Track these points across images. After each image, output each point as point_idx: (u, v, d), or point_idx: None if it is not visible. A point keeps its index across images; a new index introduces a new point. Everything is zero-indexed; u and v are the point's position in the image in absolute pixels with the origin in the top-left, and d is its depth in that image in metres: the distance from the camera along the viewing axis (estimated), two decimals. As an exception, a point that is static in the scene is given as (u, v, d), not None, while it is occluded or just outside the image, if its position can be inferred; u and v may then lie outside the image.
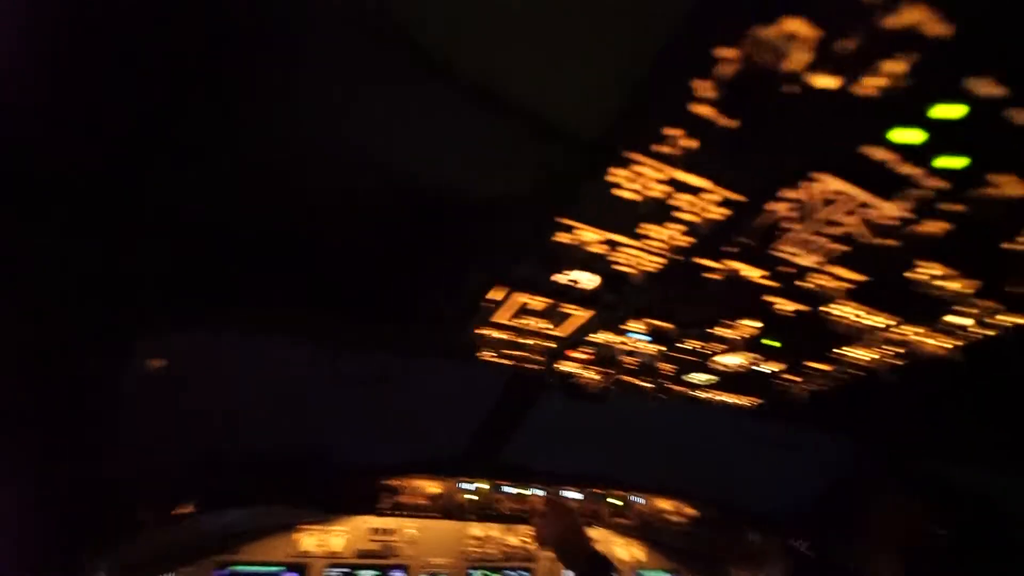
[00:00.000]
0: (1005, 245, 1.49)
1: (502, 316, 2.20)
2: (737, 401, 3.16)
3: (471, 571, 3.77)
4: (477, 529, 3.83)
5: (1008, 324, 1.92)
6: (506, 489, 3.86)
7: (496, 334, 2.37)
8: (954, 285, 1.72)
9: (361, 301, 2.30)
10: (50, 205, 1.66)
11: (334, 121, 1.41)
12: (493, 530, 3.89)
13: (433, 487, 3.67)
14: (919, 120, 1.11)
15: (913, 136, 1.15)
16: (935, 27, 0.91)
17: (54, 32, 1.16)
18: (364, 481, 3.54)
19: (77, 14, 1.12)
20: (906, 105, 1.08)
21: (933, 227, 1.44)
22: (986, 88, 1.02)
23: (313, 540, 3.43)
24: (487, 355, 2.60)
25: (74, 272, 1.90)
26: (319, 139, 1.48)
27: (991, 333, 2.00)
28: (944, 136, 1.15)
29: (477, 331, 2.35)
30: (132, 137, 1.45)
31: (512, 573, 3.90)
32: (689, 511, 4.32)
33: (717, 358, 2.51)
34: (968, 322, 1.95)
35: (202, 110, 1.38)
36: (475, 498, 3.76)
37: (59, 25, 1.15)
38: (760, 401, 3.14)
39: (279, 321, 2.40)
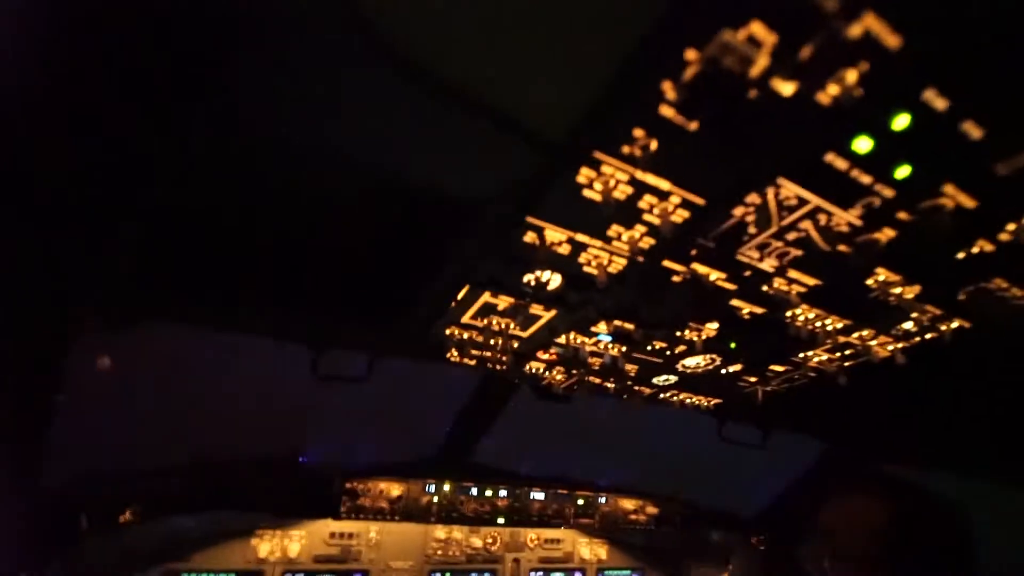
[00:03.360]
0: (959, 254, 1.57)
1: (469, 316, 2.17)
2: (700, 402, 3.23)
3: (433, 574, 3.72)
4: (440, 531, 3.79)
5: (951, 328, 2.03)
6: (470, 491, 3.83)
7: (464, 334, 2.34)
8: (903, 291, 1.79)
9: (328, 299, 2.24)
10: (27, 202, 1.57)
11: (304, 118, 1.37)
12: (456, 532, 3.85)
13: (396, 489, 3.60)
14: (874, 129, 1.15)
15: (868, 144, 1.19)
16: (889, 37, 0.94)
17: (52, 32, 1.11)
18: (324, 484, 3.44)
19: (68, 13, 1.08)
20: (862, 114, 1.11)
21: (884, 234, 1.50)
22: (935, 99, 1.07)
23: (269, 546, 3.31)
24: (455, 355, 2.56)
25: (36, 268, 1.79)
26: (289, 136, 1.44)
27: (936, 336, 2.10)
28: (895, 145, 1.19)
29: (445, 331, 2.31)
30: (114, 133, 1.39)
31: (475, 575, 3.87)
32: (652, 510, 4.40)
33: (681, 359, 2.55)
34: (915, 326, 2.04)
35: (181, 108, 1.33)
36: (439, 500, 3.71)
37: (56, 25, 1.10)
38: (722, 402, 3.21)
39: (242, 319, 2.31)
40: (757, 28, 0.94)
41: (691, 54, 1.00)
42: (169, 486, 3.02)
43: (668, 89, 1.08)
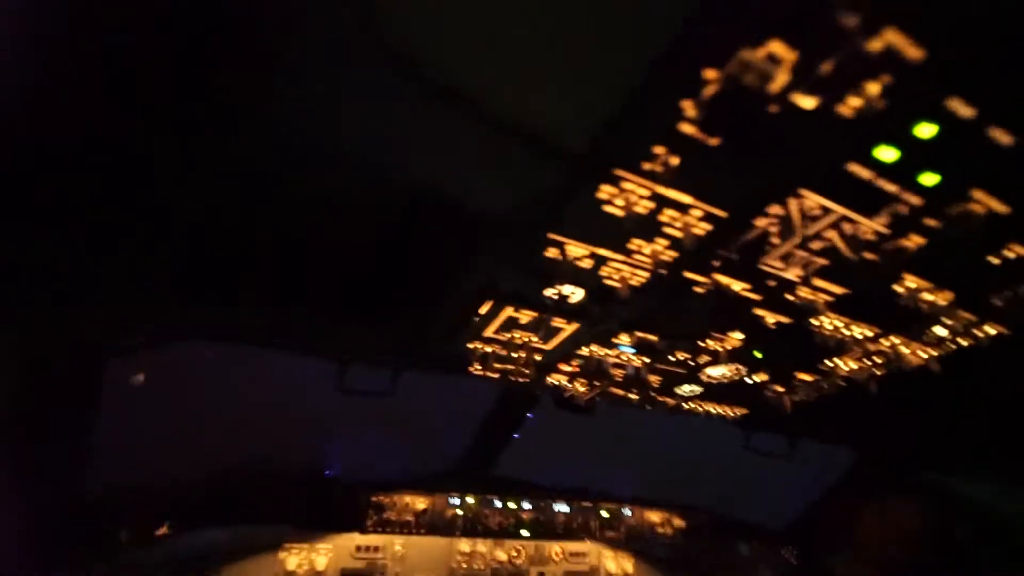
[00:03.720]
0: (991, 259, 1.53)
1: (492, 330, 2.19)
2: (725, 412, 3.18)
3: (459, 587, 3.71)
4: (465, 544, 3.78)
5: (986, 334, 1.97)
6: (495, 503, 3.82)
7: (486, 348, 2.36)
8: (934, 297, 1.75)
9: (352, 314, 2.28)
10: (39, 208, 1.62)
11: (329, 131, 1.41)
12: (481, 545, 3.84)
13: (421, 502, 3.61)
14: (898, 138, 1.14)
15: (892, 154, 1.18)
16: (911, 50, 0.94)
17: (53, 33, 1.15)
18: (350, 498, 3.47)
19: (75, 15, 1.12)
20: (885, 124, 1.10)
21: (912, 242, 1.48)
22: (960, 108, 1.06)
23: (297, 560, 3.35)
24: (478, 369, 2.58)
25: (63, 280, 1.86)
26: (315, 148, 1.48)
27: (971, 343, 2.04)
28: (921, 154, 1.18)
29: (468, 344, 2.34)
30: (127, 139, 1.43)
31: (501, 589, 3.85)
32: (678, 522, 4.32)
33: (704, 369, 2.53)
34: (948, 333, 1.99)
35: (200, 114, 1.37)
36: (463, 513, 3.71)
37: (58, 26, 1.14)
38: (748, 412, 3.16)
39: (267, 334, 2.36)
40: (776, 46, 0.95)
41: (710, 73, 1.01)
42: (199, 498, 3.08)
43: (688, 107, 1.09)
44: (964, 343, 2.05)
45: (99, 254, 1.82)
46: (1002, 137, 1.12)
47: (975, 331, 1.96)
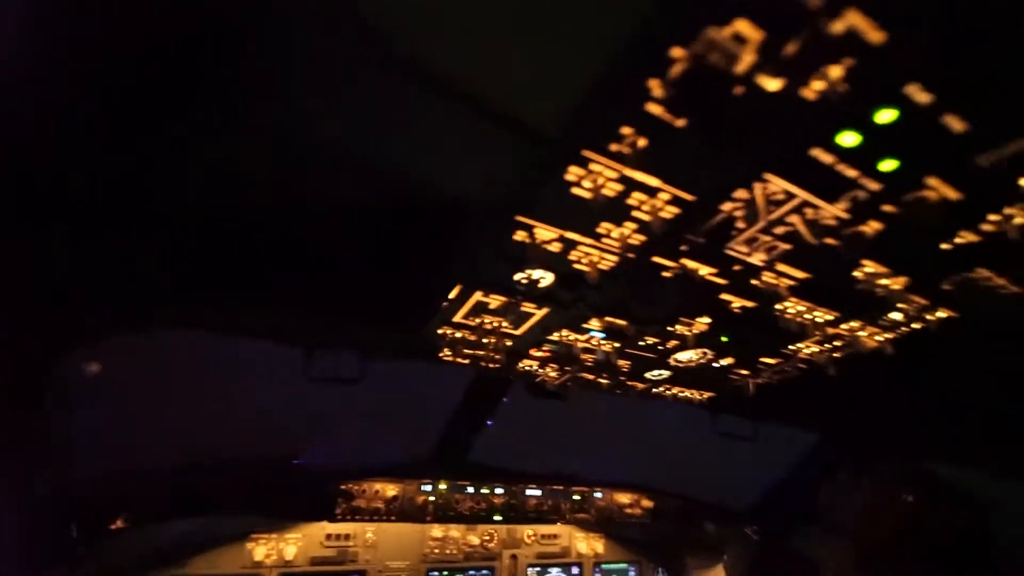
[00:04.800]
0: (943, 245, 1.58)
1: (462, 315, 2.17)
2: (693, 396, 3.25)
3: (431, 573, 3.72)
4: (437, 530, 3.79)
5: (937, 319, 2.06)
6: (467, 489, 3.84)
7: (456, 333, 2.34)
8: (890, 282, 1.81)
9: (320, 300, 2.22)
10: (30, 204, 1.56)
11: (299, 116, 1.37)
12: (453, 531, 3.85)
13: (391, 490, 3.60)
14: (859, 124, 1.16)
15: (853, 139, 1.20)
16: (872, 33, 0.95)
17: (52, 31, 1.12)
18: (319, 486, 3.43)
19: (75, 13, 1.08)
20: (848, 109, 1.12)
21: (871, 227, 1.52)
22: (918, 94, 1.08)
23: (265, 549, 3.30)
24: (448, 354, 2.56)
25: (39, 272, 1.77)
26: (280, 134, 1.43)
27: (924, 326, 2.13)
28: (881, 140, 1.20)
29: (438, 330, 2.31)
30: (119, 136, 1.39)
31: (473, 573, 3.88)
32: (647, 504, 4.43)
33: (673, 354, 2.57)
34: (902, 317, 2.07)
35: (181, 110, 1.33)
36: (435, 499, 3.72)
37: (57, 24, 1.11)
38: (715, 395, 3.24)
39: (234, 320, 2.29)
40: (742, 25, 0.94)
41: (677, 52, 1.01)
42: (165, 490, 2.99)
43: (655, 87, 1.08)
44: (917, 327, 2.14)
45: (94, 251, 1.76)
46: (955, 124, 1.15)
47: (927, 315, 2.04)
